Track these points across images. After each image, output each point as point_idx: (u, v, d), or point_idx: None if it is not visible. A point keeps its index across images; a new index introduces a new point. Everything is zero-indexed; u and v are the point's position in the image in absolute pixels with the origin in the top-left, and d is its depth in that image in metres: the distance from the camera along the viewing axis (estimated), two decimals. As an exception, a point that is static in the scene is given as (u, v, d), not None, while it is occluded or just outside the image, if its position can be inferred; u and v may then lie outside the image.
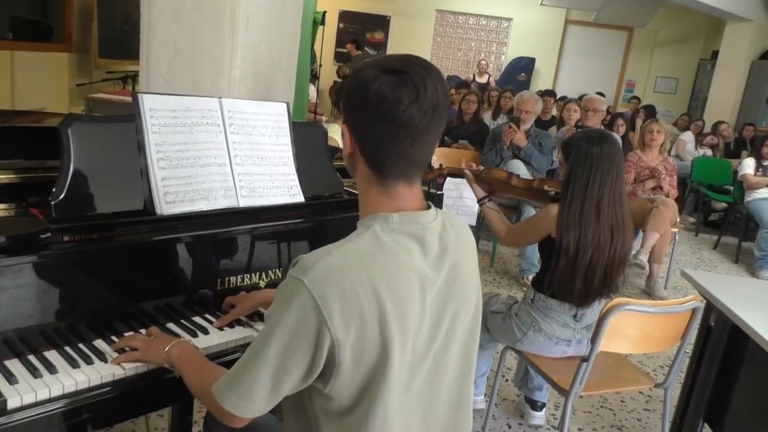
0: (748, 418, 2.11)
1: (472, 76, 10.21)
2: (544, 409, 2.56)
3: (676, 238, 4.56)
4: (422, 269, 1.01)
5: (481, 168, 2.79)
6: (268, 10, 3.01)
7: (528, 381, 2.54)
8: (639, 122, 7.92)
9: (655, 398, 2.90)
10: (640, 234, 4.32)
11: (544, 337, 2.16)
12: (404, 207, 1.03)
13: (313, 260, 0.96)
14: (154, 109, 1.55)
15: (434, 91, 0.98)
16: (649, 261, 4.32)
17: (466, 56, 11.24)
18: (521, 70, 10.78)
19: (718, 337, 2.20)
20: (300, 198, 1.83)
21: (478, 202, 2.63)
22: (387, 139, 0.99)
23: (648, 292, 4.34)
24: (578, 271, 2.07)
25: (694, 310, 1.96)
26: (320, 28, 7.02)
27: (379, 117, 0.97)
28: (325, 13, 6.99)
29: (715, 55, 8.85)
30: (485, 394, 2.60)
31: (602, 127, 4.71)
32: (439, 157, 4.86)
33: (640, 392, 2.95)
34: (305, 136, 1.96)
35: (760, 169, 5.65)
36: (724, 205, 6.46)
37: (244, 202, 1.68)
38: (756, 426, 2.06)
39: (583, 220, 2.09)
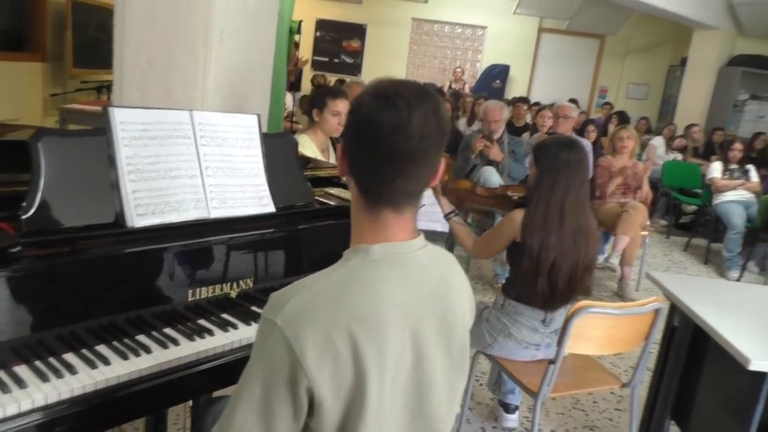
0: (712, 414, 2.18)
1: (448, 83, 10.31)
2: (517, 412, 2.61)
3: (647, 241, 4.66)
4: (403, 300, 0.98)
5: (446, 178, 2.84)
6: (242, 22, 3.03)
7: (501, 385, 2.59)
8: (611, 128, 8.09)
9: (626, 398, 2.96)
10: (612, 238, 4.41)
11: (514, 341, 2.21)
12: (390, 236, 1.01)
13: (285, 299, 0.95)
14: (125, 122, 1.57)
15: (423, 120, 0.95)
16: (621, 264, 4.41)
17: (442, 64, 11.35)
18: (496, 77, 10.91)
19: (682, 336, 2.28)
20: (271, 208, 1.86)
21: (444, 216, 2.64)
22: (372, 163, 0.99)
23: (620, 294, 4.42)
24: (541, 272, 2.13)
25: (656, 311, 2.02)
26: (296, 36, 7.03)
27: (365, 140, 0.98)
28: (300, 22, 7.01)
29: (684, 61, 9.06)
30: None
31: (573, 134, 4.80)
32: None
33: (611, 393, 3.01)
34: (276, 147, 1.98)
35: (728, 173, 5.81)
36: (695, 208, 6.61)
37: (215, 213, 1.70)
38: (719, 422, 2.13)
39: (547, 222, 2.15)
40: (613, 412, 2.87)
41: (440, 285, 1.06)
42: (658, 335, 2.20)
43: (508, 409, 2.60)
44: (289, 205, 1.94)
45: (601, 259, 4.67)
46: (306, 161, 2.60)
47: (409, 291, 1.00)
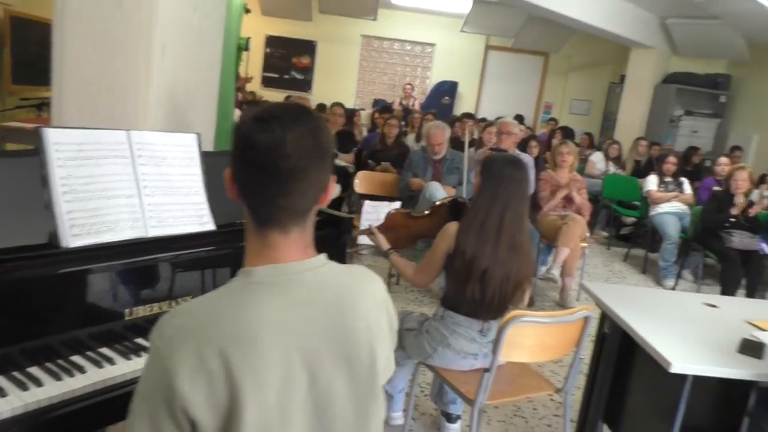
0: (641, 417, 2.29)
1: (398, 99, 10.45)
2: (459, 421, 2.68)
3: (586, 252, 4.83)
4: (285, 321, 0.99)
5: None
6: (186, 37, 3.04)
7: (443, 395, 2.65)
8: (555, 143, 8.36)
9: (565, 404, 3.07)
10: (554, 250, 4.56)
11: (453, 352, 2.28)
12: (277, 258, 1.03)
13: (167, 320, 0.98)
14: (60, 143, 1.58)
15: (298, 140, 0.98)
16: (562, 275, 4.56)
17: (392, 80, 11.51)
18: (445, 93, 11.13)
19: (612, 343, 2.39)
20: (211, 226, 1.89)
21: (384, 253, 2.73)
22: (255, 183, 1.00)
23: (561, 304, 4.56)
24: (473, 277, 2.21)
25: (585, 319, 2.13)
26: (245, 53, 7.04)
27: (244, 160, 1.00)
28: (249, 39, 7.03)
29: (623, 79, 9.43)
30: (404, 410, 2.69)
31: (516, 149, 4.95)
32: (362, 181, 4.98)
33: (551, 399, 3.11)
34: (216, 165, 2.01)
35: (663, 185, 6.08)
36: (634, 219, 6.87)
37: (153, 233, 1.72)
38: (646, 424, 2.24)
39: (484, 231, 2.23)
40: (552, 418, 2.96)
41: (336, 305, 1.04)
42: (587, 342, 2.31)
43: (450, 418, 2.66)
44: (230, 222, 1.97)
45: (543, 270, 4.83)
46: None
47: (295, 311, 1.00)
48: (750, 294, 4.90)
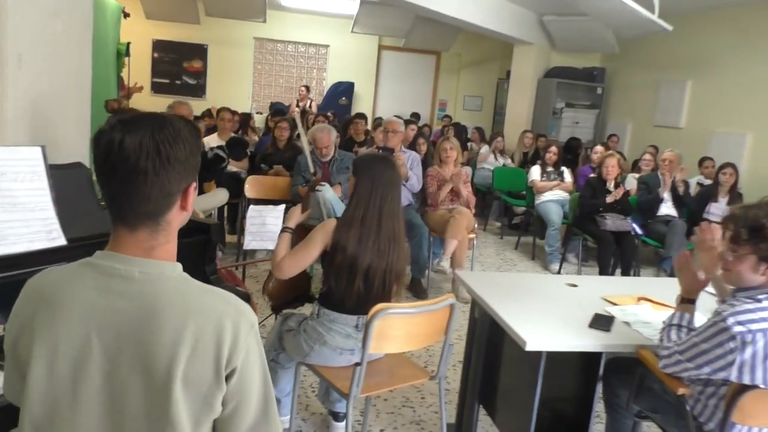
0: (509, 396, 2.43)
1: (295, 101, 10.41)
2: (345, 419, 2.72)
3: (474, 243, 5.03)
4: (92, 302, 1.05)
5: None
6: (47, 46, 2.91)
7: (329, 394, 2.69)
8: (440, 139, 8.62)
9: (453, 391, 3.18)
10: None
11: (329, 349, 2.31)
12: (118, 249, 1.08)
13: None
14: None
15: (139, 146, 1.02)
16: (452, 266, 4.72)
17: (288, 82, 11.44)
18: (342, 94, 11.19)
19: (482, 327, 2.51)
20: (62, 241, 1.82)
21: (282, 230, 2.60)
22: (102, 182, 1.08)
23: (454, 294, 4.71)
24: (358, 272, 2.27)
25: (451, 306, 2.22)
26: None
27: (95, 162, 1.07)
28: (129, 44, 6.77)
29: (509, 74, 9.86)
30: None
31: (403, 147, 5.07)
32: (252, 185, 4.93)
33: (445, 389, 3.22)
34: (67, 178, 1.95)
35: (545, 175, 6.42)
36: (523, 209, 7.21)
37: (-7, 251, 1.64)
38: (513, 402, 2.37)
39: (365, 225, 2.29)
40: (439, 405, 3.07)
41: (144, 317, 1.04)
42: (460, 328, 2.42)
43: (338, 417, 2.70)
44: (83, 236, 1.91)
45: (436, 262, 4.97)
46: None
47: (105, 298, 1.05)
48: (625, 272, 5.28)
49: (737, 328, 1.72)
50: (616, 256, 5.32)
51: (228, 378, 1.06)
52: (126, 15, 6.74)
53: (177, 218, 1.11)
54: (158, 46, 10.74)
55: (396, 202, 2.41)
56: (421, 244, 4.69)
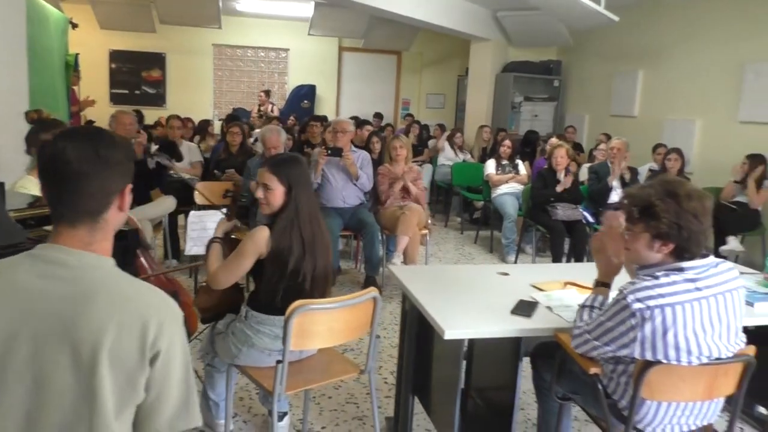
0: (439, 385, 2.45)
1: (256, 107, 10.37)
2: (285, 418, 2.73)
3: (428, 238, 5.07)
4: (25, 286, 1.14)
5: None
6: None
7: (268, 396, 2.69)
8: (411, 137, 8.67)
9: (393, 385, 3.21)
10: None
11: (258, 350, 2.32)
12: (58, 242, 1.19)
13: None
14: None
15: (79, 151, 1.17)
16: (404, 262, 4.74)
17: (250, 87, 11.39)
18: (304, 97, 11.17)
19: (412, 319, 2.54)
20: (-33, 252, 1.81)
21: (213, 239, 2.58)
22: (45, 185, 1.20)
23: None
24: (286, 273, 2.28)
25: (374, 300, 2.24)
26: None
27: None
28: (77, 55, 6.69)
29: (468, 71, 9.94)
30: (235, 415, 2.70)
31: (352, 146, 5.08)
32: (201, 191, 4.91)
33: (385, 382, 3.25)
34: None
35: (500, 168, 6.48)
36: (482, 203, 7.27)
37: None
38: (443, 390, 2.40)
39: (297, 228, 2.30)
40: (383, 399, 3.10)
41: (78, 298, 1.13)
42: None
43: (279, 417, 2.70)
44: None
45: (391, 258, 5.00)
46: (35, 200, 2.54)
47: (41, 281, 1.15)
48: (578, 259, 5.35)
49: (636, 305, 1.77)
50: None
51: (152, 361, 1.14)
52: (74, 26, 6.67)
53: (114, 218, 1.23)
54: (115, 56, 10.63)
55: (313, 200, 2.43)
56: (373, 242, 4.72)
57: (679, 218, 1.76)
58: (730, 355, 1.86)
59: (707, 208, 1.81)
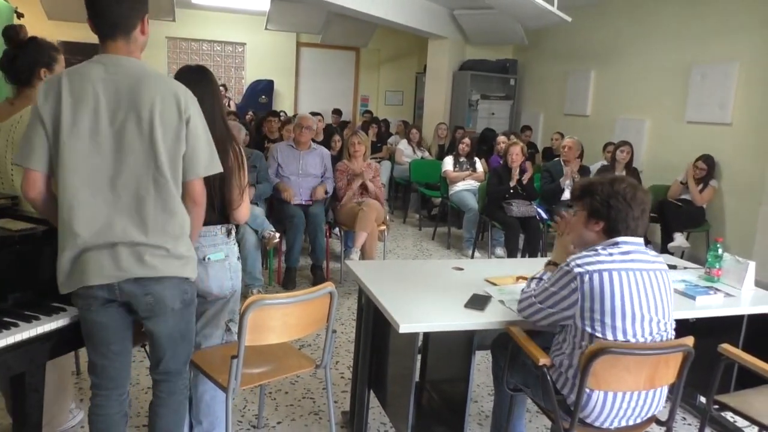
0: (395, 380, 2.48)
1: (212, 101, 10.20)
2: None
3: (386, 234, 5.09)
4: (100, 76, 1.72)
5: None
6: None
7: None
8: (370, 133, 8.67)
9: (350, 380, 3.22)
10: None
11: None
12: (106, 51, 1.78)
13: None
14: None
15: None
16: (363, 258, 4.76)
17: (206, 82, 11.20)
18: (261, 92, 11.07)
19: (367, 313, 2.56)
20: None
21: None
22: (93, 16, 1.79)
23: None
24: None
25: (330, 294, 2.25)
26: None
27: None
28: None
29: (426, 68, 10.00)
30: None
31: (312, 143, 5.06)
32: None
33: (341, 377, 3.26)
34: None
35: (458, 165, 6.56)
36: (440, 200, 7.34)
37: None
38: (398, 383, 2.42)
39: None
40: (339, 394, 3.11)
41: (134, 83, 1.72)
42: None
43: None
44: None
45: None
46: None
47: (106, 73, 1.73)
48: (532, 254, 5.47)
49: (577, 269, 1.96)
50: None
51: (187, 123, 1.77)
52: (20, 15, 6.44)
53: (140, 37, 1.82)
54: (65, 48, 10.28)
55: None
56: (316, 232, 4.76)
57: (610, 197, 2.00)
58: (663, 331, 1.99)
59: (639, 198, 2.01)
